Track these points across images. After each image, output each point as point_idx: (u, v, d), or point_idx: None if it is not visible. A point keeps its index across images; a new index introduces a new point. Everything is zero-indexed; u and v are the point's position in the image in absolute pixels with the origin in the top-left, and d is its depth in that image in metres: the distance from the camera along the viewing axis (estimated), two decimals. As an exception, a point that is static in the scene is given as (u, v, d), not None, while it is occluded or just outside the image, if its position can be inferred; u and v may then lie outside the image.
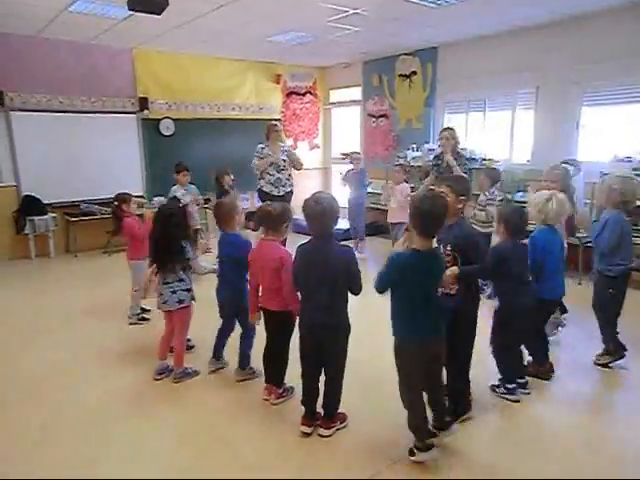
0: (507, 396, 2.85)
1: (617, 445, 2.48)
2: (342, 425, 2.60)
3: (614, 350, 3.22)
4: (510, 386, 2.86)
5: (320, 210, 2.34)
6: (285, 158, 5.66)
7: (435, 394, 2.38)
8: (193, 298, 3.15)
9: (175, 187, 5.36)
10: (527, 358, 3.15)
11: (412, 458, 2.30)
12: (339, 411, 2.60)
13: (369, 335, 3.43)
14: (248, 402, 2.88)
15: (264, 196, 5.42)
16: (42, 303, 4.78)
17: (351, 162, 6.57)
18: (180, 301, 3.07)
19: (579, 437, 2.54)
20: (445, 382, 2.51)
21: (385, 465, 2.31)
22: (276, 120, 8.45)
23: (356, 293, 2.44)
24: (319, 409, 2.60)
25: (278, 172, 5.61)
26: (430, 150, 6.97)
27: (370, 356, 3.23)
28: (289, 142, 7.83)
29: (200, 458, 2.40)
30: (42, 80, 6.36)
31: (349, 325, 2.47)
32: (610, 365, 3.22)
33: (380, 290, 2.23)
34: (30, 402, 2.93)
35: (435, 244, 2.26)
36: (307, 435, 2.52)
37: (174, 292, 3.06)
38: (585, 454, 2.40)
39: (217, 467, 2.33)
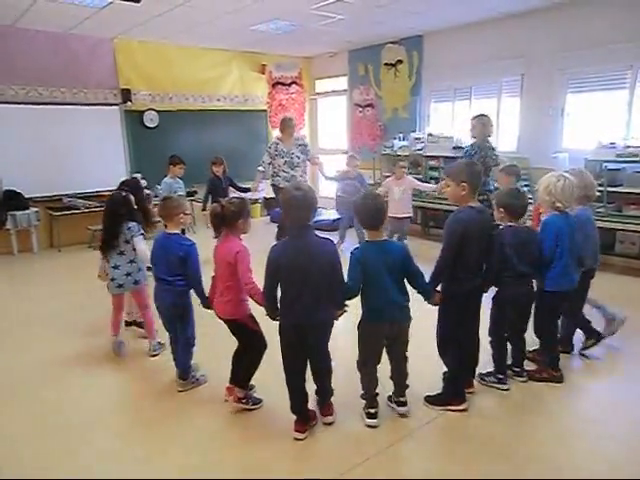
0: (498, 385, 2.83)
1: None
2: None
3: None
4: (501, 376, 2.85)
5: (301, 195, 2.27)
6: (299, 155, 5.65)
7: (395, 367, 2.54)
8: (145, 277, 3.28)
9: (167, 178, 5.30)
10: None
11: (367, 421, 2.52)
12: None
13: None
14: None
15: (279, 192, 5.34)
16: (25, 298, 4.69)
17: (347, 165, 6.02)
18: (136, 282, 3.23)
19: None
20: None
21: (372, 452, 2.30)
22: (262, 111, 8.50)
23: (341, 293, 2.35)
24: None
25: (292, 169, 5.64)
26: (416, 139, 6.97)
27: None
28: (275, 133, 7.67)
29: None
30: (19, 71, 6.18)
31: (333, 320, 2.40)
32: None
33: (354, 289, 2.36)
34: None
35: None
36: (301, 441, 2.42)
37: (129, 274, 3.19)
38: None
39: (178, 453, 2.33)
